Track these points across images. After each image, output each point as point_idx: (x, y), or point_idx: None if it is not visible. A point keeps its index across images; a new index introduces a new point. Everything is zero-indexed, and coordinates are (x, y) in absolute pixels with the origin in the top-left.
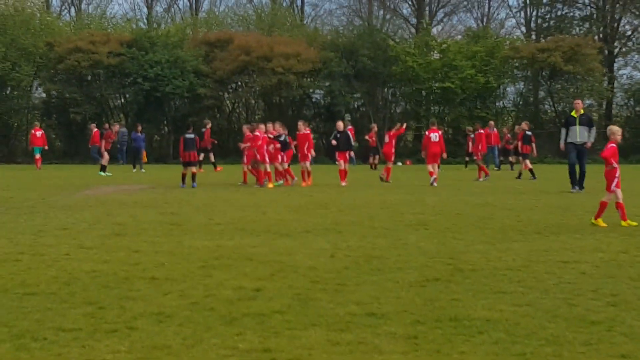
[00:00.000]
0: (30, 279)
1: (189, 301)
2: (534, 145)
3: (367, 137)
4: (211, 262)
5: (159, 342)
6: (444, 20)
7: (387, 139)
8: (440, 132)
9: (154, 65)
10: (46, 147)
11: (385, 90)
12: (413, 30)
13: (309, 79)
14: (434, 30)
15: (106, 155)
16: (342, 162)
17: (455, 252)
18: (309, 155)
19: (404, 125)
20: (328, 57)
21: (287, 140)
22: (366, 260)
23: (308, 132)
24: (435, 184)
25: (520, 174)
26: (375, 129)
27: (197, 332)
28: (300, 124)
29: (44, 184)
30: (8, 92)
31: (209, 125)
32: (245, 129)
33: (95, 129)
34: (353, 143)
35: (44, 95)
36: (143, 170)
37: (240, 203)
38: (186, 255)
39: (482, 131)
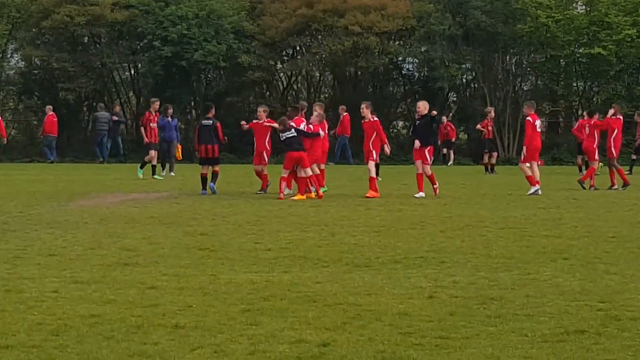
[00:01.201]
0: (4, 326)
1: None
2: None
3: (480, 126)
4: (258, 304)
5: None
6: None
7: (587, 129)
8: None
9: (177, 23)
10: (4, 140)
11: (507, 58)
12: None
13: (397, 43)
14: None
15: (152, 152)
16: (419, 163)
17: (607, 292)
18: (373, 152)
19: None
20: (425, 11)
21: (298, 137)
22: (480, 303)
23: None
24: (539, 193)
25: None
26: (492, 114)
27: None
28: (364, 107)
29: (23, 191)
30: None
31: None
32: (261, 111)
33: (50, 113)
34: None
35: (22, 64)
36: (173, 174)
37: (299, 220)
38: (223, 294)
39: (595, 119)
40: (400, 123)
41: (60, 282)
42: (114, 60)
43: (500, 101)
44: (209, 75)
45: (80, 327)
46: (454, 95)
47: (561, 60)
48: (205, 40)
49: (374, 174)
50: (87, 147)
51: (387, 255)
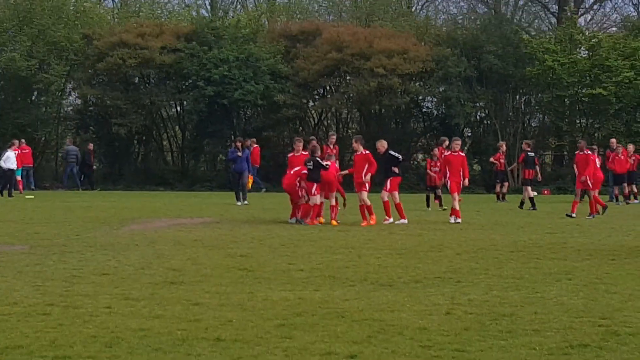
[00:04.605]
0: (62, 339)
1: None
2: (537, 168)
3: (492, 159)
4: (292, 319)
5: None
6: (594, 7)
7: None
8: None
9: (219, 65)
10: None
11: (517, 97)
12: (554, 20)
13: (418, 83)
14: (581, 21)
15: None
16: (384, 192)
17: (608, 309)
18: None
19: None
20: (443, 55)
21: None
22: (493, 319)
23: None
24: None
25: (522, 203)
26: (504, 148)
27: None
28: (354, 141)
29: (78, 216)
30: (34, 97)
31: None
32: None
33: (15, 146)
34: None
35: (79, 102)
36: (247, 202)
37: (329, 243)
38: (260, 310)
39: (588, 152)
40: (420, 156)
41: (112, 299)
42: (162, 98)
43: (511, 136)
44: (248, 112)
45: (131, 339)
46: (469, 131)
47: (566, 100)
48: (244, 80)
49: (369, 202)
50: (138, 176)
51: (409, 275)
